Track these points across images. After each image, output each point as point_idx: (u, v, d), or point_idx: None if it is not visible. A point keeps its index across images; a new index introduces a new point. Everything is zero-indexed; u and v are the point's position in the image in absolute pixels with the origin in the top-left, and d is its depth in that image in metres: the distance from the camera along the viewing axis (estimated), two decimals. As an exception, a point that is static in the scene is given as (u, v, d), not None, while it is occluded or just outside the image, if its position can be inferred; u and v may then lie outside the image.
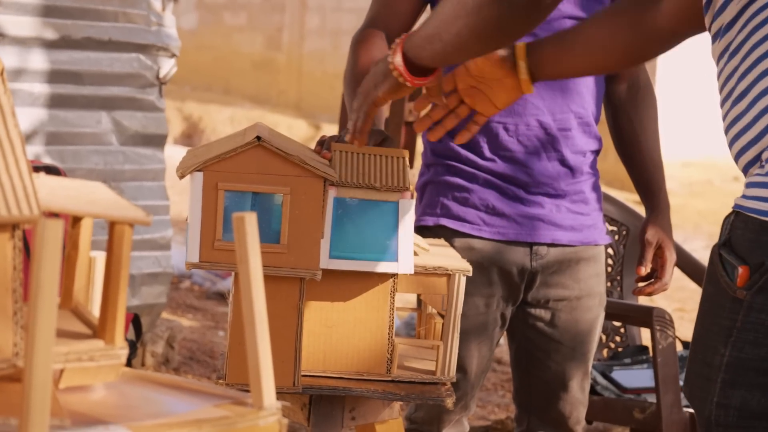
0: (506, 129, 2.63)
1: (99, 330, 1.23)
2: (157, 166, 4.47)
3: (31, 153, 4.13)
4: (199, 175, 2.00)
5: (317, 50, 13.71)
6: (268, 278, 2.04)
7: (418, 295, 2.43)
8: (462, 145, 2.63)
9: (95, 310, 1.32)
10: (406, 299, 4.28)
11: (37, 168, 3.16)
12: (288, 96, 13.88)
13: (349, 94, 2.43)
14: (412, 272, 2.12)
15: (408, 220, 2.11)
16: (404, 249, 2.11)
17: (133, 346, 3.49)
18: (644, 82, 2.81)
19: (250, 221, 1.20)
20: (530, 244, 2.66)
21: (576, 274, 2.70)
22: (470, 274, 2.17)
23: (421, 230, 2.65)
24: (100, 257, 1.31)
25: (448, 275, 2.16)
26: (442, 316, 2.19)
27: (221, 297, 6.38)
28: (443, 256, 2.25)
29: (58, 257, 1.06)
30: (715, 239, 1.81)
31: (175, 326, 5.04)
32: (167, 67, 4.43)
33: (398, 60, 2.04)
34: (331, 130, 11.17)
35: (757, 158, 1.77)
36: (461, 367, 2.59)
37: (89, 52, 4.31)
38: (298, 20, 13.96)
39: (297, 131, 12.41)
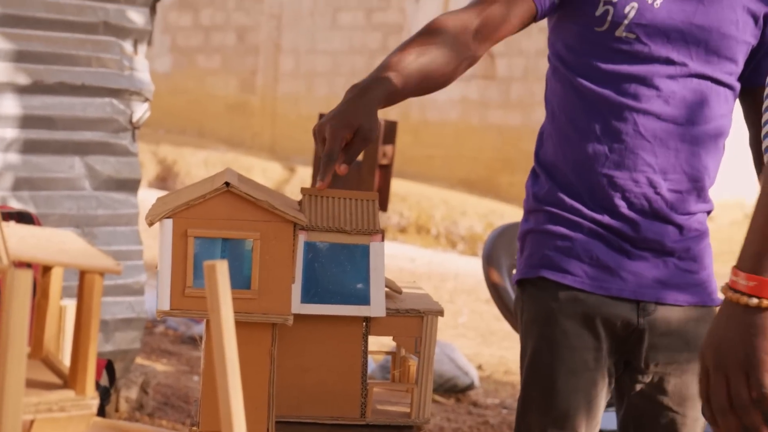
0: (612, 182, 2.54)
1: (70, 380, 1.23)
2: (131, 210, 4.46)
3: (3, 198, 4.12)
4: (169, 222, 2.00)
5: (291, 93, 13.73)
6: (239, 324, 2.04)
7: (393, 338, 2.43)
8: (566, 193, 2.56)
9: (66, 360, 1.32)
10: (382, 342, 4.27)
11: (10, 214, 3.16)
12: (262, 138, 13.89)
13: (385, 59, 2.37)
14: (385, 315, 2.12)
15: (379, 263, 2.11)
16: (376, 292, 2.11)
17: (106, 393, 3.47)
18: None
19: (221, 269, 1.21)
20: (637, 302, 2.55)
21: (685, 335, 2.58)
22: (443, 316, 2.17)
23: (524, 284, 2.58)
24: (70, 306, 1.32)
25: (421, 317, 2.16)
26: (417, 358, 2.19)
27: (196, 341, 6.36)
28: (416, 298, 2.25)
29: (27, 307, 1.06)
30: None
31: (149, 371, 5.02)
32: (140, 111, 4.44)
33: (761, 283, 1.60)
34: (305, 172, 11.17)
35: None
36: (571, 426, 2.52)
37: (62, 97, 4.32)
38: (272, 63, 13.99)
39: (271, 174, 12.41)
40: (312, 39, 13.68)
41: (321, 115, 2.36)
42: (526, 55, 12.01)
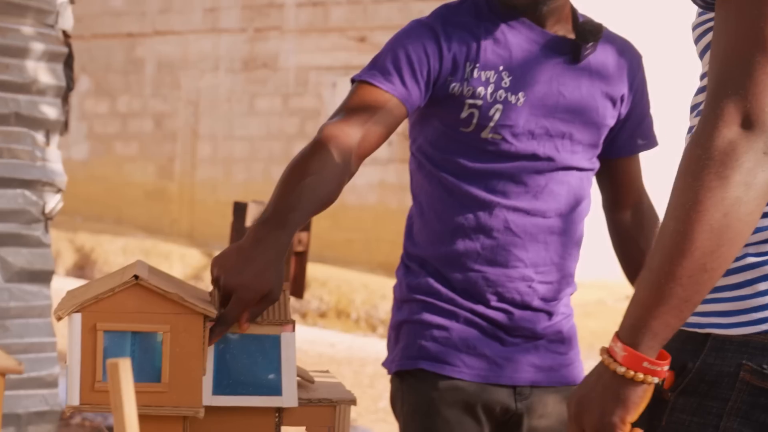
0: (485, 278, 2.57)
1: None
2: (44, 302, 4.42)
3: None
4: (77, 316, 1.99)
5: (209, 179, 13.72)
6: (150, 418, 2.03)
7: (306, 428, 2.42)
8: (440, 283, 2.58)
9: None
10: None
11: None
12: (180, 225, 13.84)
13: (283, 184, 2.28)
14: (297, 405, 2.12)
15: (290, 353, 2.11)
16: (288, 382, 2.10)
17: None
18: (647, 206, 2.78)
19: (124, 367, 1.20)
20: (513, 387, 2.59)
21: (562, 416, 2.62)
22: (355, 405, 2.17)
23: (402, 375, 2.59)
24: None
25: (333, 406, 2.16)
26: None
27: (113, 432, 6.28)
28: (328, 387, 2.25)
29: None
30: None
31: (65, 464, 4.94)
32: (53, 202, 4.41)
33: (631, 356, 1.66)
34: (224, 258, 11.13)
35: None
36: None
37: (-26, 189, 4.28)
38: (190, 149, 13.98)
39: (190, 260, 12.35)
40: (229, 125, 13.71)
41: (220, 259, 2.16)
42: (442, 138, 12.10)
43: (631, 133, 2.70)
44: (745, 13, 1.72)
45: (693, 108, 1.89)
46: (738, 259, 1.78)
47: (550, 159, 2.57)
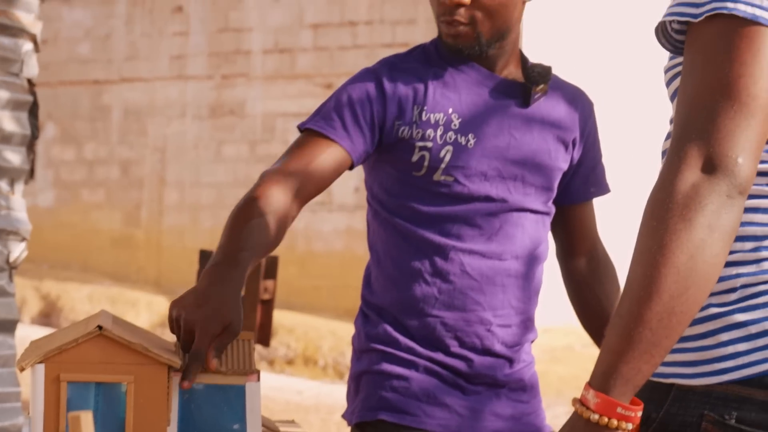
0: (443, 323, 2.57)
1: None
2: (8, 352, 4.39)
3: None
4: (41, 367, 1.98)
5: (176, 226, 13.69)
6: (113, 469, 2.02)
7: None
8: (399, 332, 2.57)
9: None
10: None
11: None
12: (147, 272, 13.79)
13: (229, 229, 2.31)
14: (262, 455, 2.11)
15: (255, 403, 2.10)
16: (253, 432, 2.10)
17: None
18: (602, 253, 2.79)
19: (85, 420, 1.20)
20: None
21: None
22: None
23: (362, 427, 2.58)
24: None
25: (299, 457, 2.15)
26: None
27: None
28: (294, 437, 2.24)
29: None
30: None
31: None
32: (17, 251, 4.39)
33: (604, 403, 1.66)
34: (191, 305, 11.09)
35: None
36: None
37: (-62, 238, 4.26)
38: (157, 196, 13.96)
39: (157, 307, 12.30)
40: (196, 172, 13.69)
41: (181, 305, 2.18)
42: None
43: (584, 180, 2.72)
44: (710, 58, 1.75)
45: (663, 153, 1.90)
46: (701, 309, 1.79)
47: (503, 200, 2.58)
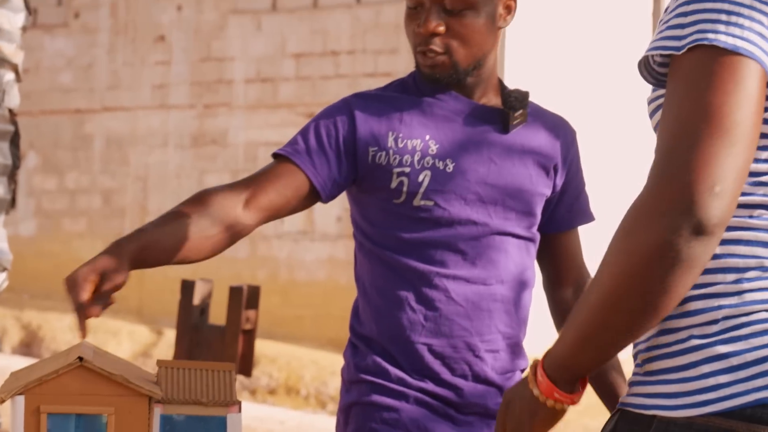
0: (431, 350, 2.56)
1: None
2: (-12, 382, 4.37)
3: None
4: (21, 398, 1.97)
5: (158, 255, 13.64)
6: (93, 501, 2.01)
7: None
8: (389, 363, 2.57)
9: None
10: None
11: None
12: (129, 302, 13.75)
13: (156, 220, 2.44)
14: (243, 487, 2.10)
15: (237, 434, 2.09)
16: (234, 463, 2.09)
17: None
18: (588, 283, 2.77)
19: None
20: None
21: None
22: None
23: None
24: None
25: (280, 488, 2.14)
26: None
27: None
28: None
29: None
30: None
31: None
32: (-2, 281, 4.37)
33: (546, 386, 1.87)
34: (173, 335, 11.06)
35: (635, 357, 1.90)
36: None
37: None
38: (139, 225, 13.92)
39: (139, 337, 12.26)
40: (178, 201, 13.59)
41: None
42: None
43: (568, 208, 2.73)
44: (692, 87, 1.76)
45: None
46: (682, 341, 1.80)
47: (485, 224, 2.58)
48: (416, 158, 2.54)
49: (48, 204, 14.57)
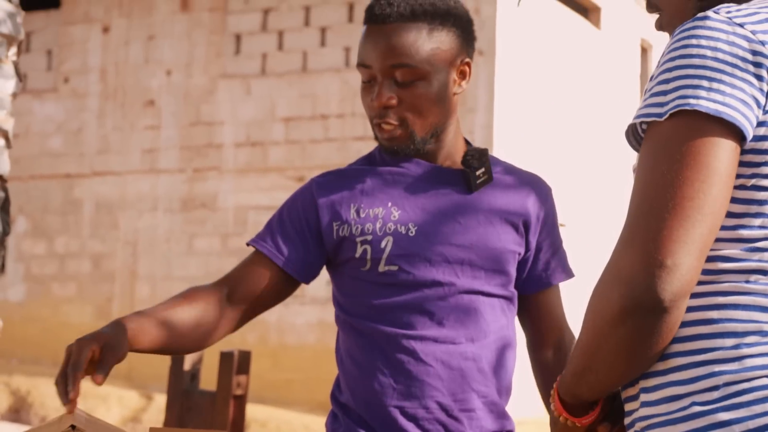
0: (404, 413, 2.55)
1: None
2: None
3: None
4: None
5: (147, 319, 13.61)
6: None
7: None
8: (363, 428, 2.57)
9: None
10: None
11: None
12: (118, 367, 13.64)
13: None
14: None
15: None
16: None
17: None
18: (569, 345, 2.76)
19: None
20: None
21: None
22: None
23: None
24: None
25: None
26: None
27: None
28: None
29: None
30: None
31: None
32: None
33: (556, 405, 2.00)
34: (163, 399, 11.01)
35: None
36: None
37: None
38: (129, 290, 13.91)
39: (128, 402, 12.19)
40: (168, 265, 13.66)
41: None
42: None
43: (544, 266, 2.71)
44: (663, 157, 1.78)
45: None
46: (684, 408, 1.80)
47: (451, 284, 2.58)
48: (378, 226, 2.57)
49: (37, 269, 14.55)
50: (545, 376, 2.74)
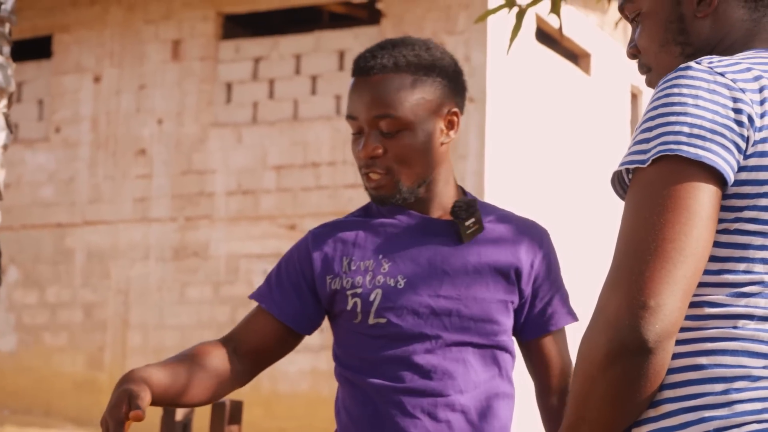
0: None
1: None
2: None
3: None
4: None
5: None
6: None
7: None
8: None
9: None
10: None
11: None
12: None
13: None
14: None
15: None
16: None
17: None
18: None
19: None
20: None
21: None
22: None
23: None
24: None
25: None
26: None
27: None
28: None
29: None
30: None
31: None
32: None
33: None
34: (155, 449, 10.95)
35: None
36: None
37: None
38: (120, 339, 13.87)
39: (120, 452, 12.12)
40: (160, 314, 13.64)
41: None
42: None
43: (541, 312, 2.70)
44: (647, 202, 1.81)
45: None
46: None
47: (438, 337, 2.59)
48: (368, 278, 2.59)
49: (29, 318, 14.50)
50: (550, 423, 2.73)
